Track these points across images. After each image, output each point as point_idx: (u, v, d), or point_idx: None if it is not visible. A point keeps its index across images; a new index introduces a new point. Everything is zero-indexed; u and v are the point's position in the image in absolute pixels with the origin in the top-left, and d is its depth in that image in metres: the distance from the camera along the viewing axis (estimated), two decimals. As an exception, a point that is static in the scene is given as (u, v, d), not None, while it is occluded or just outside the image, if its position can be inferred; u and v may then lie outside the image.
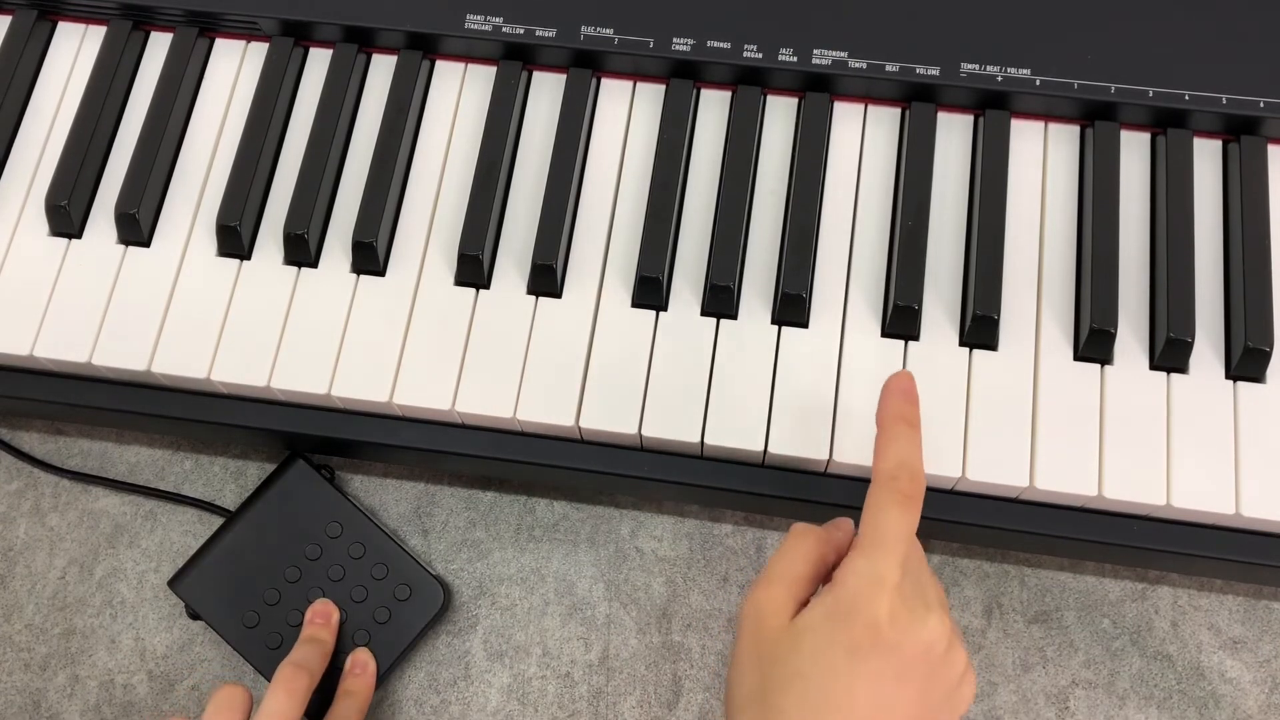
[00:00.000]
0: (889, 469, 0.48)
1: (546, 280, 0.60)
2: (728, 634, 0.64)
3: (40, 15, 0.67)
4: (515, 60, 0.65)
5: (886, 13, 0.63)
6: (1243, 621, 0.63)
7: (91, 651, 0.65)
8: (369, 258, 0.61)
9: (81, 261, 0.63)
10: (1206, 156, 0.62)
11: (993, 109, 0.62)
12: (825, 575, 0.50)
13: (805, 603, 0.48)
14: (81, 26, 0.68)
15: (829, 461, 0.58)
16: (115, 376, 0.62)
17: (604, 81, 0.65)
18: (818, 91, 0.63)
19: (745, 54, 0.63)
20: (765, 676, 0.47)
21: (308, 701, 0.57)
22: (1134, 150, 0.63)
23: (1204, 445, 0.57)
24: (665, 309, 0.60)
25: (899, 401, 0.50)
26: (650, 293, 0.60)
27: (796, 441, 0.58)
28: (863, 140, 0.64)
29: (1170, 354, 0.58)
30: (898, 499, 0.48)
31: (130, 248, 0.63)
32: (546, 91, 0.65)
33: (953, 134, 0.63)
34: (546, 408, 0.59)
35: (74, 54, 0.67)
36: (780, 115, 0.64)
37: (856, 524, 0.51)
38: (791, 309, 0.59)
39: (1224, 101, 0.61)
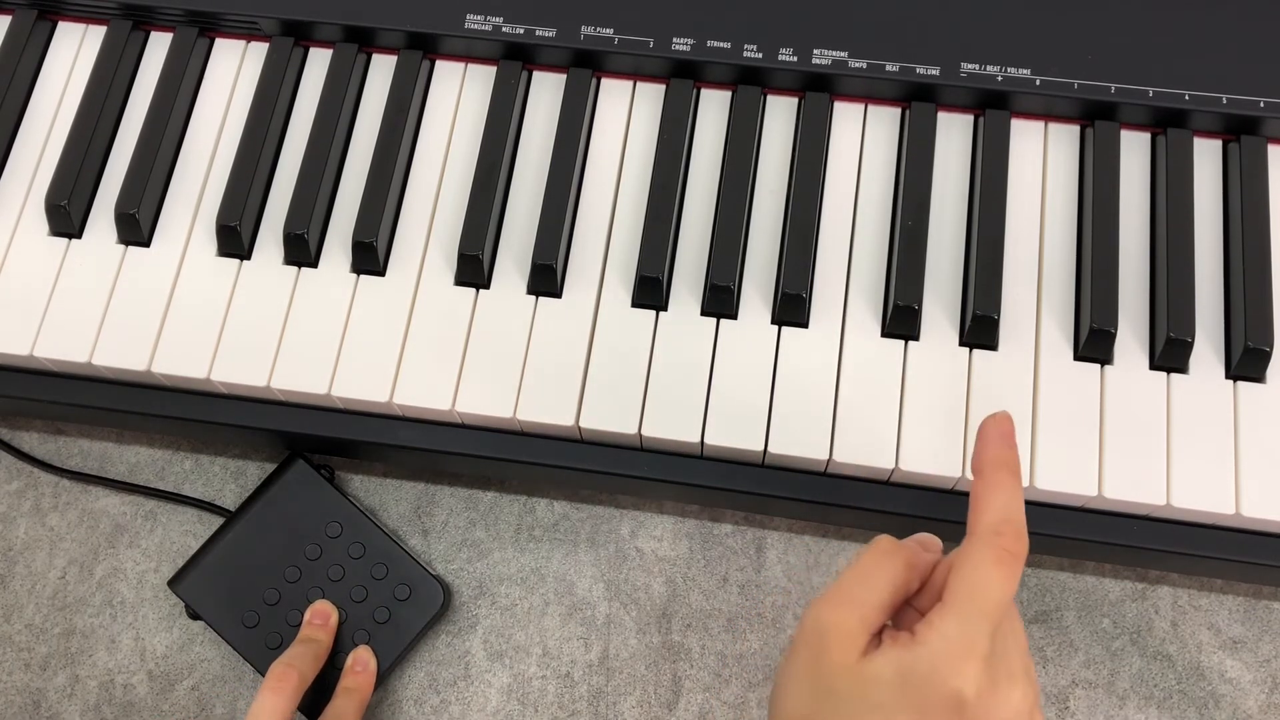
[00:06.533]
0: (993, 522, 0.43)
1: (546, 280, 0.60)
2: (728, 634, 0.64)
3: (40, 15, 0.67)
4: (515, 60, 0.65)
5: (886, 13, 0.63)
6: (1243, 621, 0.63)
7: (91, 651, 0.65)
8: (369, 258, 0.61)
9: (81, 261, 0.63)
10: (1206, 156, 0.62)
11: (993, 109, 0.62)
12: (902, 602, 0.45)
13: (877, 633, 0.43)
14: (81, 26, 0.68)
15: (829, 461, 0.58)
16: (115, 376, 0.62)
17: (604, 81, 0.65)
18: (818, 91, 0.63)
19: (745, 54, 0.63)
20: (818, 706, 0.42)
21: (298, 700, 0.57)
22: (1134, 150, 0.63)
23: (1204, 445, 0.57)
24: (665, 309, 0.60)
25: (999, 446, 0.45)
26: (650, 293, 0.60)
27: (796, 441, 0.58)
28: (863, 140, 0.64)
29: (1170, 354, 0.58)
30: (1002, 557, 0.42)
31: (130, 248, 0.63)
32: (546, 91, 0.65)
33: (953, 134, 0.63)
34: (546, 408, 0.59)
35: (74, 54, 0.67)
36: (780, 115, 0.64)
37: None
38: (791, 309, 0.59)
39: (1224, 101, 0.61)
